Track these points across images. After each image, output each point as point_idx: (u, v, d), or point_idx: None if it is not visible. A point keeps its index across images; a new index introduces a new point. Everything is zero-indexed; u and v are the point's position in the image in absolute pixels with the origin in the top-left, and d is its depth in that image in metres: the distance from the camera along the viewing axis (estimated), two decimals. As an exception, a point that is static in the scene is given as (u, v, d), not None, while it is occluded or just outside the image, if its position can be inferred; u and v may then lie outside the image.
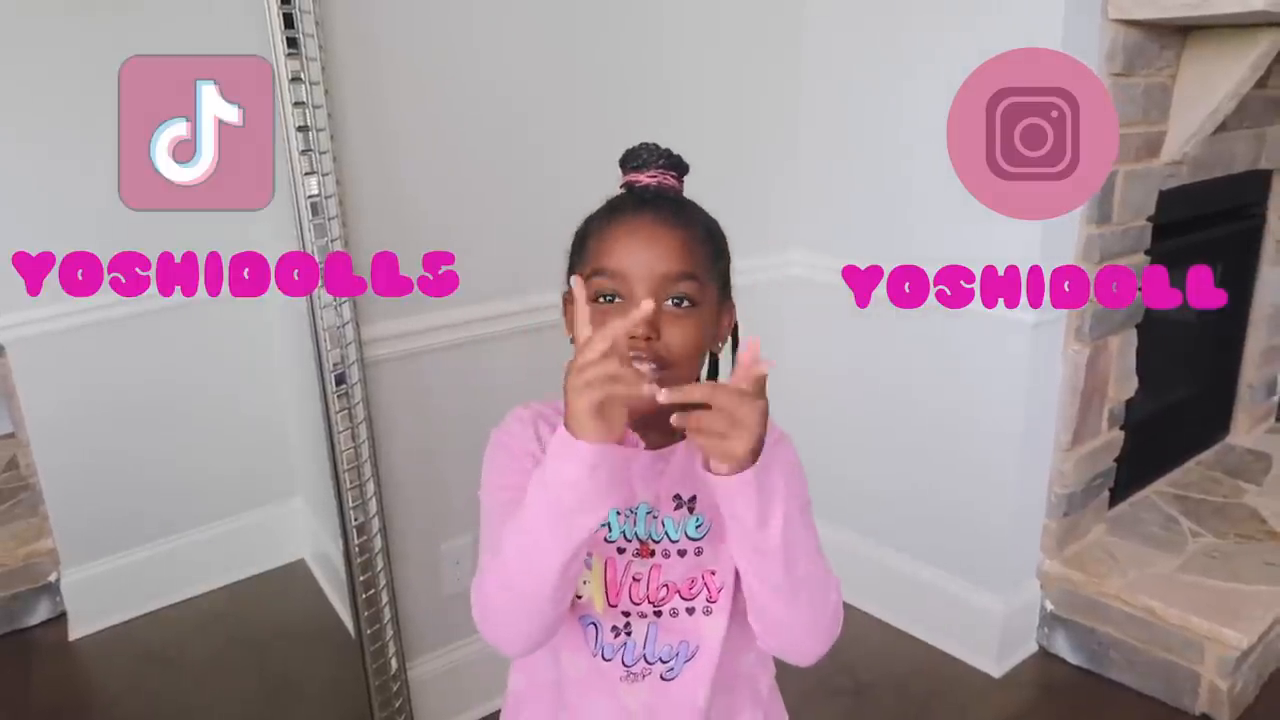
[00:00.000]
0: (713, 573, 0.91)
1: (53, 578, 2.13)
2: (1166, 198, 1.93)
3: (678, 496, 0.90)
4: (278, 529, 2.35)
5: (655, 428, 0.89)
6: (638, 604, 0.90)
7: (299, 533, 2.37)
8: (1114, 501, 2.13)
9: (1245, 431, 2.60)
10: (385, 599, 1.59)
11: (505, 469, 0.90)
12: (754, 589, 0.84)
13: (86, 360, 2.03)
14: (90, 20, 1.89)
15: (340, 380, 1.49)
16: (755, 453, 0.76)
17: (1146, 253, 1.92)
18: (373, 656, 1.60)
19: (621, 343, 0.76)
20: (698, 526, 0.90)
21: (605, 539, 0.89)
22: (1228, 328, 2.50)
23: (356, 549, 1.55)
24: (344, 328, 1.49)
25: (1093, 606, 1.91)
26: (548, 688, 0.96)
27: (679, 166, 0.94)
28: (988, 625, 1.94)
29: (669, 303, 0.85)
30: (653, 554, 0.90)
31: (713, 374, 0.99)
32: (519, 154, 1.64)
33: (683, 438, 0.89)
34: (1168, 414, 2.33)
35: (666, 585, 0.90)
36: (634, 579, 0.90)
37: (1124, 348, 1.96)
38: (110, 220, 1.97)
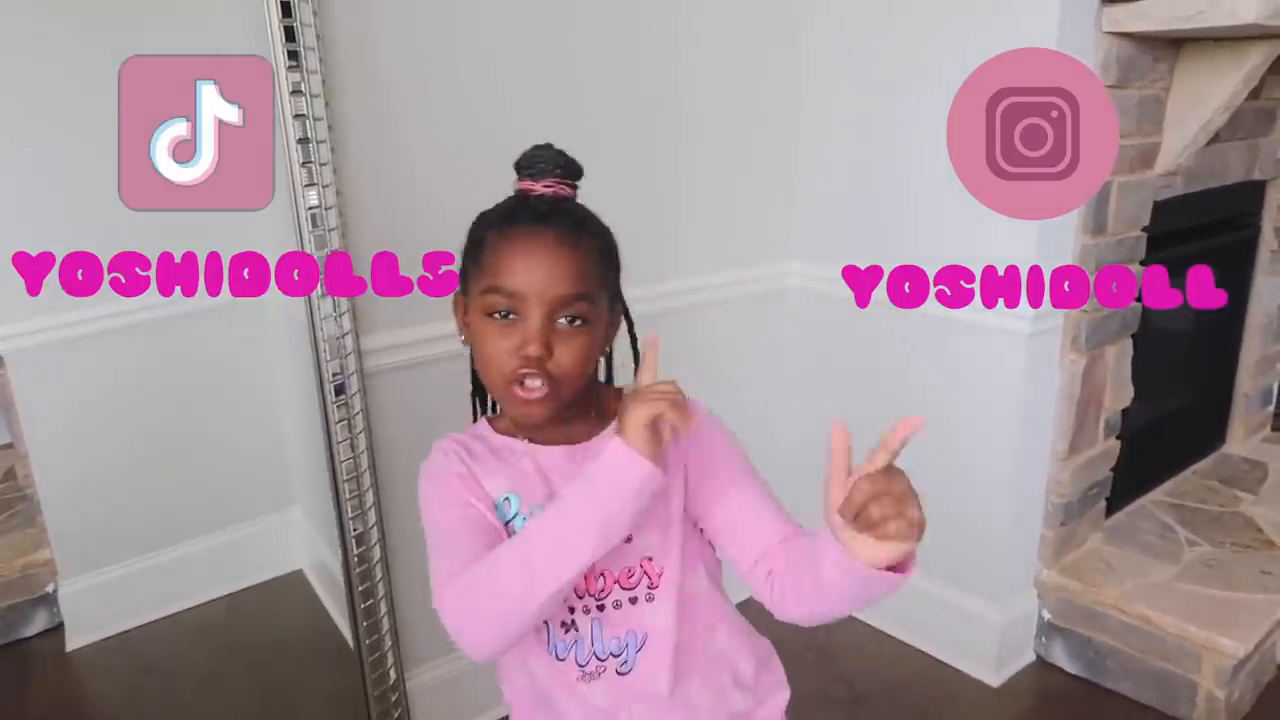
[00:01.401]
0: (649, 559, 0.92)
1: (50, 588, 2.13)
2: (1161, 208, 1.94)
3: None
4: (275, 539, 2.35)
5: (576, 421, 0.94)
6: (580, 598, 0.91)
7: (297, 543, 2.38)
8: (1110, 511, 2.14)
9: (1241, 440, 2.61)
10: (384, 609, 1.59)
11: (443, 494, 0.94)
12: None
13: (85, 371, 2.04)
14: (88, 33, 1.90)
15: (340, 390, 1.50)
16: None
17: (1142, 263, 1.94)
18: (371, 666, 1.60)
19: (513, 361, 0.85)
20: None
21: None
22: (1223, 337, 2.52)
23: (355, 559, 1.55)
24: (344, 338, 1.50)
25: (1090, 616, 1.92)
26: (524, 692, 0.98)
27: (574, 173, 0.93)
28: (985, 634, 1.94)
29: (562, 320, 0.87)
30: None
31: (608, 373, 1.02)
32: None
33: (602, 429, 0.93)
34: (1164, 423, 2.34)
35: (603, 574, 0.91)
36: None
37: (1120, 357, 1.97)
38: (109, 221, 1.98)
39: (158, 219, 2.02)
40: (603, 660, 0.93)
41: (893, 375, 2.01)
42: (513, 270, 0.86)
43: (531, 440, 0.95)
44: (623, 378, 1.01)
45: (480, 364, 0.92)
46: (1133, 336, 1.99)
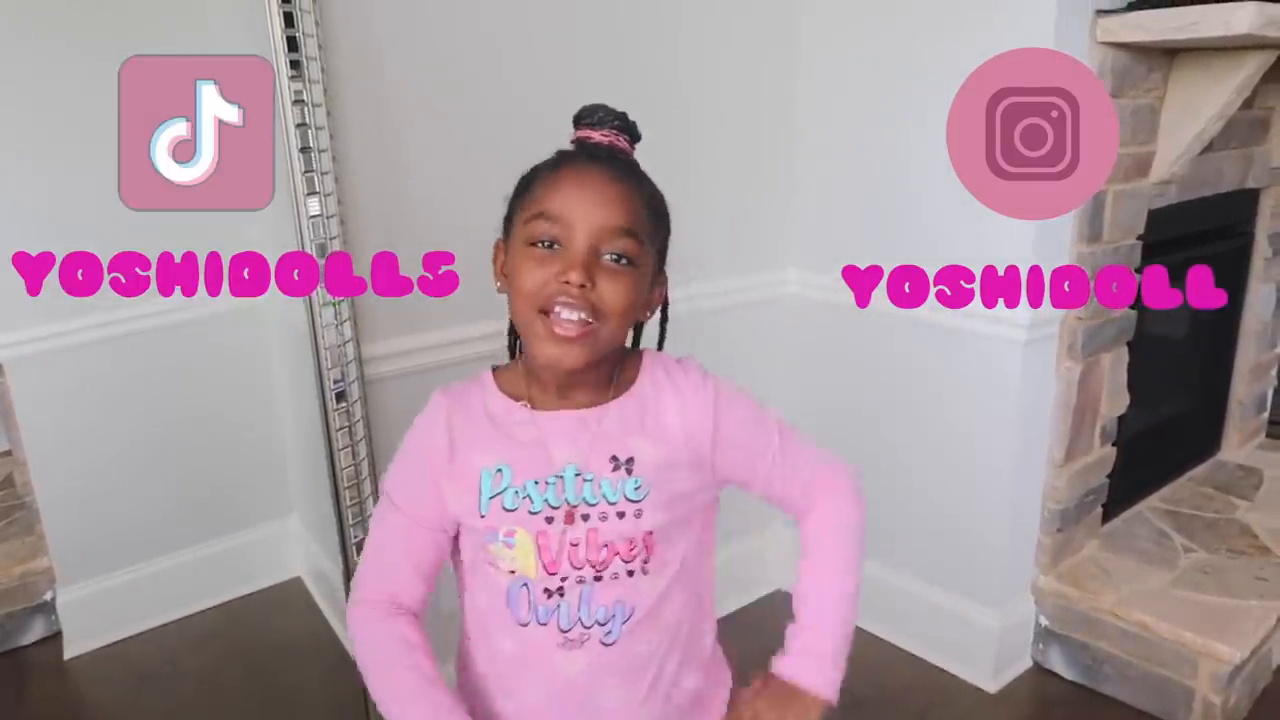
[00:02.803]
0: (650, 533, 0.90)
1: (48, 596, 2.14)
2: (1155, 217, 1.96)
3: (614, 458, 0.89)
4: (274, 547, 2.36)
5: (581, 386, 0.90)
6: (578, 568, 0.89)
7: (295, 550, 2.38)
8: (1106, 517, 2.15)
9: (1236, 447, 2.63)
10: (384, 616, 1.59)
11: (409, 473, 0.94)
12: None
13: (84, 379, 2.05)
14: (87, 39, 1.91)
15: (341, 397, 1.51)
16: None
17: (1137, 271, 1.95)
18: (371, 674, 1.60)
19: (550, 287, 0.83)
20: (637, 488, 0.89)
21: (529, 511, 0.88)
22: (1217, 344, 2.54)
23: (356, 566, 1.56)
24: (345, 345, 1.51)
25: (1087, 622, 1.93)
26: (481, 679, 0.96)
27: (632, 132, 0.93)
28: (982, 641, 1.95)
29: (607, 257, 0.84)
30: (587, 518, 0.88)
31: (634, 344, 0.99)
32: (522, 171, 1.66)
33: (614, 398, 0.91)
34: (1159, 430, 2.35)
35: (606, 546, 0.89)
36: (571, 544, 0.89)
37: (1115, 364, 1.98)
38: (107, 222, 1.99)
39: (157, 221, 2.04)
40: (587, 628, 0.90)
41: (890, 383, 2.02)
42: (561, 196, 0.84)
43: (535, 406, 0.91)
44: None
45: (515, 300, 0.87)
46: (1128, 344, 2.01)
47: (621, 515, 0.89)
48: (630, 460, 0.89)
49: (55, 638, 2.13)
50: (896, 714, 1.90)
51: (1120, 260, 1.91)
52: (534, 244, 0.85)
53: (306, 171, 1.43)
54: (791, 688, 0.94)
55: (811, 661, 0.96)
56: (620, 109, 0.94)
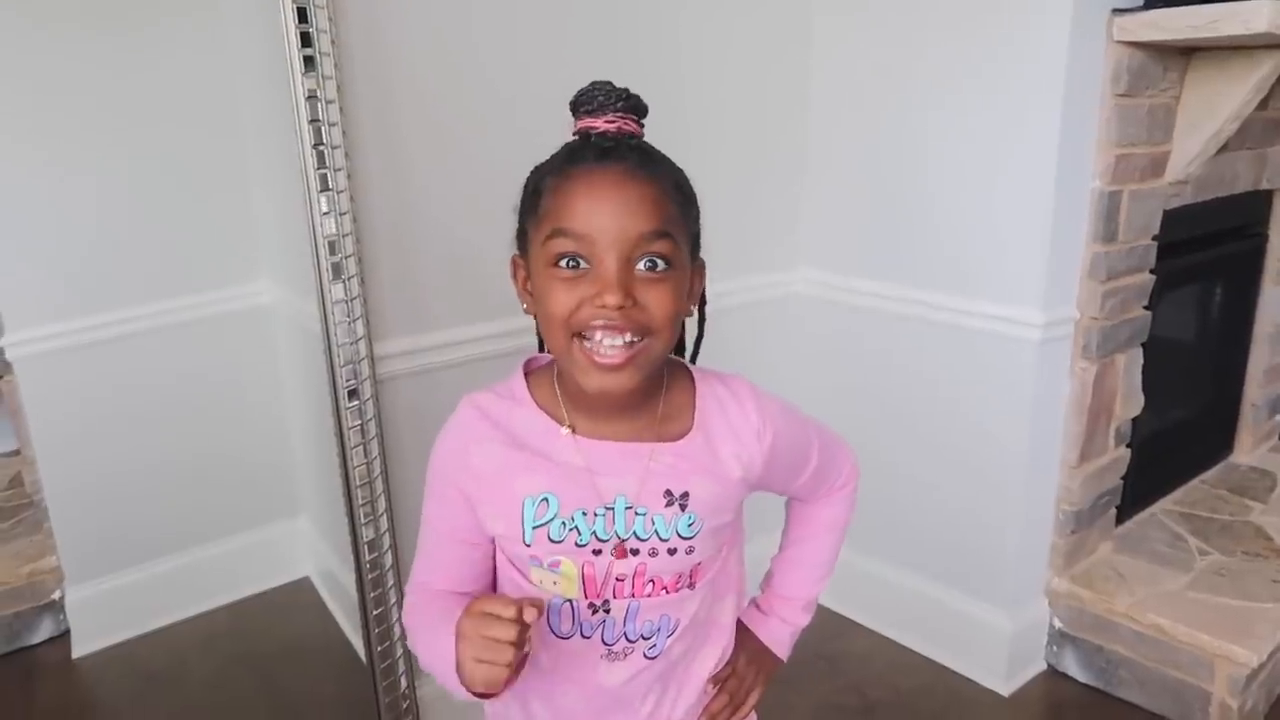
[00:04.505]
0: (699, 564, 0.88)
1: (56, 595, 2.13)
2: (1170, 217, 1.95)
3: (668, 493, 0.85)
4: (282, 547, 2.35)
5: (630, 417, 0.84)
6: (620, 598, 0.87)
7: (303, 551, 2.37)
8: (1120, 519, 2.14)
9: (1249, 450, 2.61)
10: (395, 617, 1.59)
11: (444, 489, 0.88)
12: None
13: (92, 378, 2.04)
14: (100, 31, 1.91)
15: (353, 396, 1.50)
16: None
17: (1151, 271, 1.94)
18: (382, 674, 1.60)
19: (586, 314, 0.76)
20: (690, 524, 0.85)
21: (576, 544, 0.84)
22: (1230, 346, 2.52)
23: (368, 565, 1.55)
24: (357, 344, 1.50)
25: (1101, 625, 1.92)
26: (515, 693, 0.92)
27: (639, 109, 0.83)
28: (996, 643, 1.94)
29: (641, 265, 0.77)
30: (636, 553, 0.85)
31: (679, 343, 0.93)
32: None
33: (664, 427, 0.86)
34: (1172, 432, 2.34)
35: (653, 581, 0.86)
36: (617, 579, 0.85)
37: (1130, 365, 1.97)
38: (113, 216, 1.99)
39: (162, 216, 2.04)
40: (632, 642, 0.88)
41: (903, 383, 2.01)
42: (578, 210, 0.76)
43: (577, 429, 0.84)
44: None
45: (545, 327, 0.80)
46: (1142, 345, 2.00)
47: (673, 552, 0.86)
48: (685, 495, 0.85)
49: (63, 637, 2.13)
50: (909, 717, 1.88)
51: (1135, 261, 1.90)
52: (557, 263, 0.77)
53: (320, 168, 1.42)
54: (764, 648, 1.03)
55: (786, 632, 1.05)
56: (624, 87, 0.85)
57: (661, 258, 0.78)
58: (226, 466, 2.24)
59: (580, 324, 0.77)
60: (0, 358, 1.97)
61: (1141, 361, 2.00)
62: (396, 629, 1.60)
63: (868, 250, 2.03)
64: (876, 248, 2.01)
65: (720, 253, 2.00)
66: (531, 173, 0.84)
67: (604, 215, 0.76)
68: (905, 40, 1.89)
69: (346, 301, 1.48)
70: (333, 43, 1.41)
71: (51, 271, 1.96)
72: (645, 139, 0.84)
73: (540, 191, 0.81)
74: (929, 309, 1.93)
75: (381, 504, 1.56)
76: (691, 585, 0.89)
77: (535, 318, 0.84)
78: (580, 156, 0.79)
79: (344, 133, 1.45)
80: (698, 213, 0.87)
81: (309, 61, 1.38)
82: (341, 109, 1.44)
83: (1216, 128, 1.83)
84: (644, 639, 0.89)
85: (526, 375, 0.89)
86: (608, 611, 0.87)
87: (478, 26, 1.61)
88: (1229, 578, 1.97)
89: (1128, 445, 2.05)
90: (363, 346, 1.50)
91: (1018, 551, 1.92)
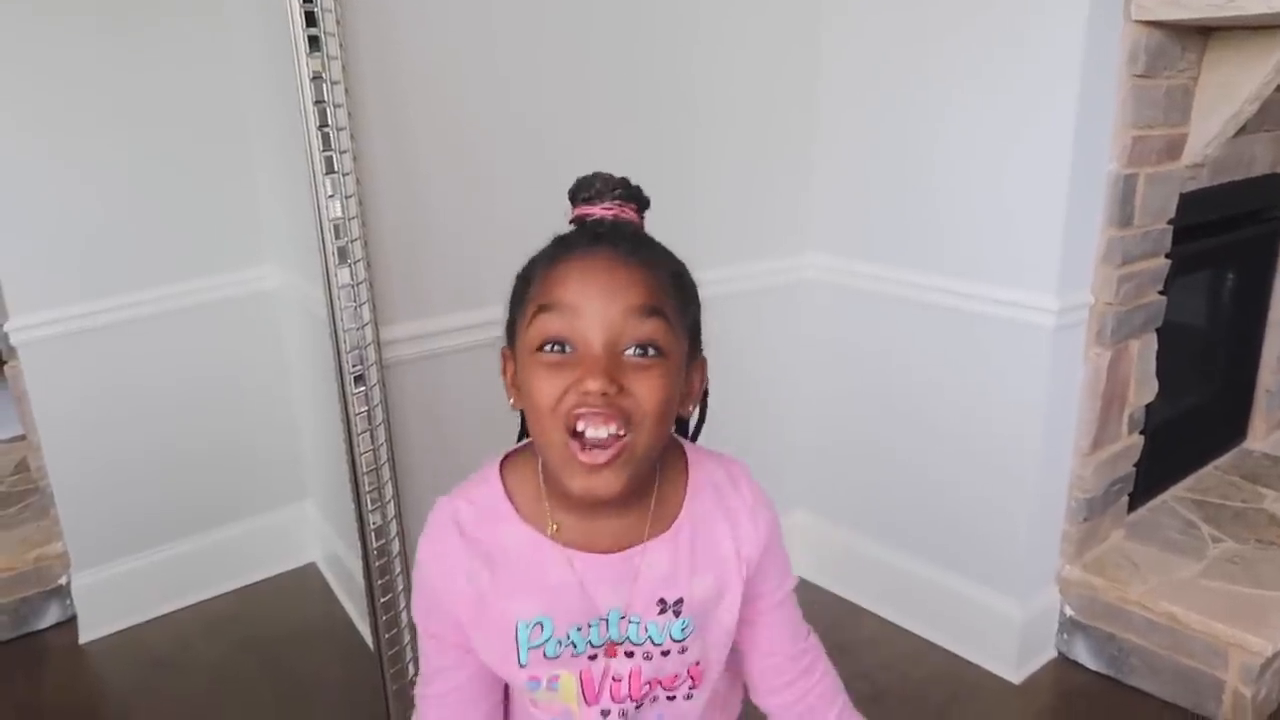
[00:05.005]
0: (697, 663, 0.86)
1: (63, 581, 2.13)
2: (1186, 201, 1.92)
3: (662, 601, 0.82)
4: (288, 532, 2.35)
5: (619, 513, 0.80)
6: (619, 701, 0.84)
7: (310, 536, 2.37)
8: (1132, 506, 2.12)
9: (1262, 436, 2.59)
10: (403, 602, 1.58)
11: (431, 609, 0.84)
12: None
13: (97, 363, 2.04)
14: (102, 23, 1.89)
15: (359, 381, 1.49)
16: None
17: (1167, 256, 1.92)
18: (390, 661, 1.59)
19: (569, 401, 0.71)
20: (683, 629, 0.83)
21: (572, 655, 0.82)
22: (1245, 332, 2.49)
23: (375, 552, 1.54)
24: (363, 329, 1.48)
25: (1113, 612, 1.90)
26: None
27: (638, 199, 0.82)
28: (1006, 631, 1.93)
29: (631, 352, 0.72)
30: (631, 655, 0.83)
31: (680, 433, 0.90)
32: (539, 158, 1.63)
33: (656, 528, 0.82)
34: (1185, 419, 2.32)
35: (649, 684, 0.85)
36: (614, 679, 0.84)
37: (1145, 351, 1.95)
38: (118, 207, 1.98)
39: (167, 207, 2.03)
40: None
41: (914, 368, 1.99)
42: (565, 286, 0.73)
43: (564, 537, 0.80)
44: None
45: (532, 420, 0.76)
46: (1156, 330, 1.97)
47: (666, 654, 0.84)
48: (679, 601, 0.83)
49: (70, 622, 2.13)
50: (919, 705, 1.87)
51: (1151, 246, 1.87)
52: (542, 348, 0.73)
53: (325, 150, 1.40)
54: None
55: None
56: (622, 175, 0.82)
57: (653, 342, 0.73)
58: (232, 452, 2.24)
59: (567, 415, 0.72)
60: (5, 342, 1.96)
61: (1156, 347, 1.97)
62: (404, 615, 1.59)
63: (878, 235, 2.01)
64: (887, 232, 1.99)
65: (726, 238, 2.02)
66: (525, 264, 0.81)
67: (591, 294, 0.72)
68: (918, 19, 1.85)
69: (352, 286, 1.46)
70: (337, 22, 1.39)
71: (55, 256, 1.95)
72: (647, 232, 0.82)
73: (530, 279, 0.78)
74: (941, 295, 1.90)
75: (389, 490, 1.55)
76: (694, 685, 0.86)
77: (521, 413, 0.80)
78: (572, 242, 0.77)
79: (349, 114, 1.43)
80: (698, 305, 0.82)
81: (314, 42, 1.36)
82: (347, 90, 1.42)
83: (1235, 109, 1.80)
84: None
85: (504, 470, 0.84)
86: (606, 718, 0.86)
87: (485, 6, 1.58)
88: (1242, 565, 1.96)
89: (1141, 432, 2.03)
90: (369, 331, 1.49)
91: (1029, 539, 1.90)
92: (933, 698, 1.89)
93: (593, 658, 0.83)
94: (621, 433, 0.72)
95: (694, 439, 0.93)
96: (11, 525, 2.26)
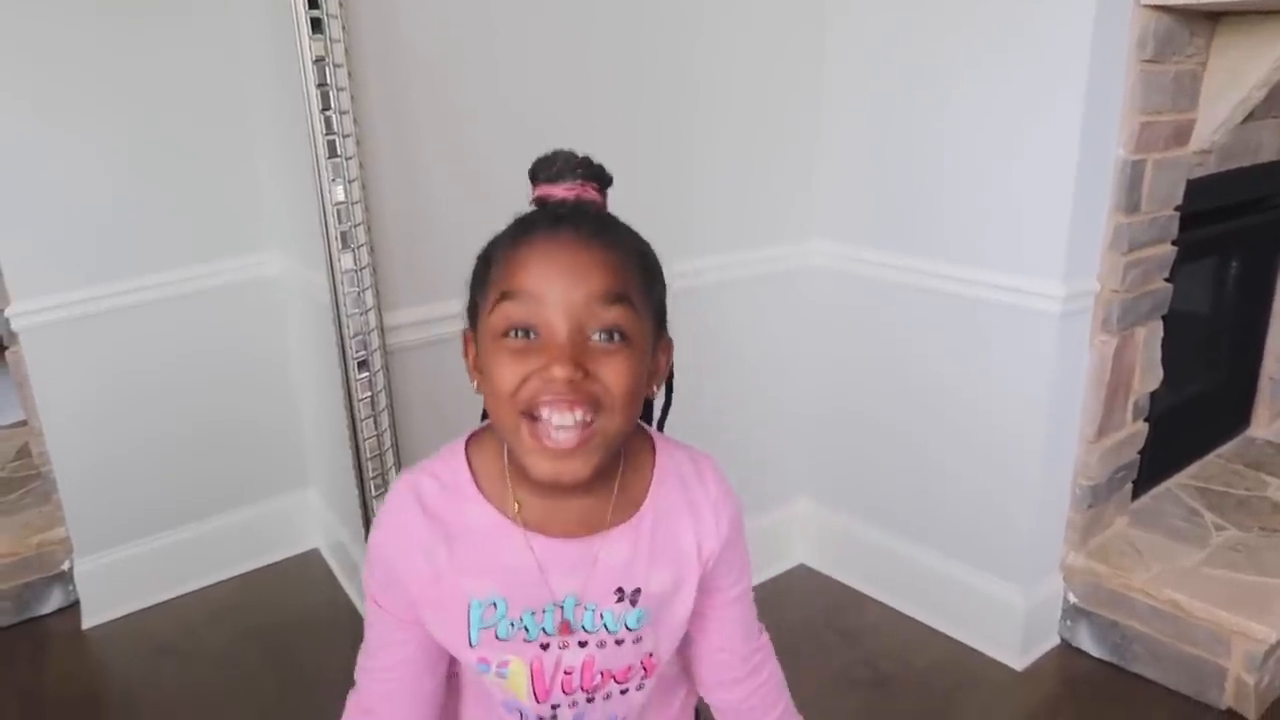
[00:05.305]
0: (650, 654, 0.85)
1: (65, 566, 2.13)
2: (1193, 187, 1.91)
3: (620, 590, 0.81)
4: (291, 518, 2.35)
5: (582, 497, 0.79)
6: (569, 693, 0.83)
7: (312, 522, 2.37)
8: (1136, 494, 2.11)
9: (1266, 424, 2.58)
10: (406, 589, 1.58)
11: (385, 582, 0.83)
12: None
13: (99, 348, 2.03)
14: (103, 5, 1.88)
15: (363, 366, 1.48)
16: None
17: (1173, 243, 1.91)
18: (393, 647, 1.59)
19: (532, 388, 0.70)
20: (639, 620, 0.83)
21: (524, 640, 0.81)
22: (1249, 319, 2.49)
23: (378, 538, 1.54)
24: (366, 314, 1.48)
25: (1117, 600, 1.90)
26: None
27: (600, 178, 0.80)
28: (1010, 618, 1.93)
29: (596, 337, 0.71)
30: (584, 645, 0.82)
31: (645, 420, 0.89)
32: (541, 142, 1.61)
33: (618, 516, 0.81)
34: (1188, 406, 2.31)
35: (601, 674, 0.83)
36: (565, 672, 0.83)
37: (1150, 339, 1.94)
38: (120, 193, 1.96)
39: (170, 192, 2.02)
40: None
41: (920, 356, 1.98)
42: (528, 273, 0.71)
43: (525, 520, 0.79)
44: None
45: (492, 405, 0.75)
46: (1161, 318, 1.96)
47: (620, 643, 0.83)
48: (637, 591, 0.82)
49: (73, 608, 2.13)
50: (922, 691, 1.87)
51: (1158, 232, 1.86)
52: (506, 334, 0.72)
53: (328, 134, 1.39)
54: None
55: None
56: (586, 155, 0.80)
57: (619, 328, 0.72)
58: (235, 438, 2.24)
59: (528, 400, 0.71)
60: (6, 328, 1.95)
61: (1161, 334, 1.97)
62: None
63: (883, 221, 1.99)
64: (893, 218, 1.98)
65: (729, 224, 2.01)
66: (485, 246, 0.79)
67: (555, 279, 0.71)
68: (925, 2, 1.84)
69: (356, 271, 1.46)
70: (340, 5, 1.38)
71: (56, 242, 1.94)
72: (608, 206, 0.80)
73: (491, 262, 0.77)
74: (946, 281, 1.89)
75: (392, 476, 1.54)
76: (646, 675, 0.86)
77: (485, 397, 0.79)
78: (533, 224, 0.75)
79: (352, 98, 1.42)
80: (663, 287, 0.81)
81: (316, 24, 1.36)
82: (350, 73, 1.41)
83: (1243, 95, 1.79)
84: None
85: (470, 447, 0.83)
86: (555, 716, 0.85)
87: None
88: (1245, 553, 1.95)
89: (1145, 419, 2.02)
90: (372, 317, 1.49)
91: (1033, 525, 1.90)
92: (936, 685, 1.89)
93: (545, 646, 0.82)
94: (589, 419, 0.71)
95: (660, 426, 0.93)
96: (13, 511, 2.26)
